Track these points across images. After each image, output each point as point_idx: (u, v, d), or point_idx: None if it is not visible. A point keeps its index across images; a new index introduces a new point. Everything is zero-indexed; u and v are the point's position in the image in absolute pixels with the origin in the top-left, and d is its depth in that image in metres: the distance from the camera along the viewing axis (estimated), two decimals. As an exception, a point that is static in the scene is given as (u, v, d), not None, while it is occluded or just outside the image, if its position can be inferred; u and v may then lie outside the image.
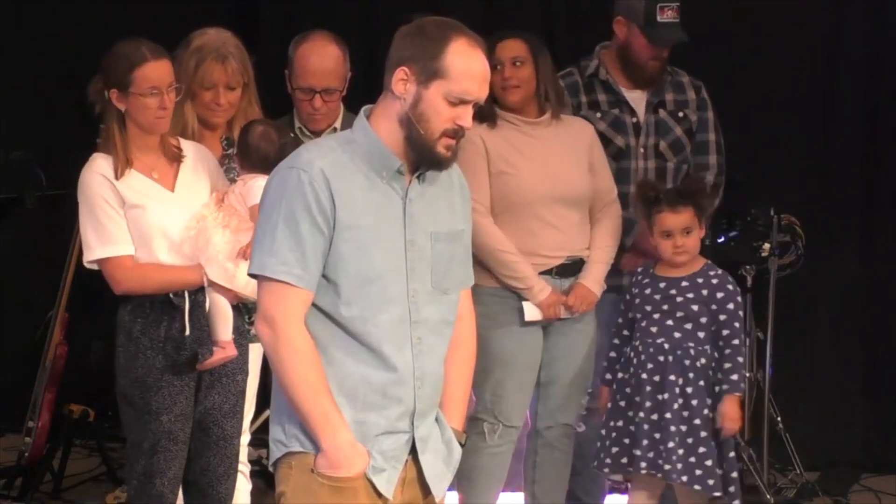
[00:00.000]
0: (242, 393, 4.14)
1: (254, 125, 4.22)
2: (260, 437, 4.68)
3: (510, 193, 4.67)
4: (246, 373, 4.15)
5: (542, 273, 4.68)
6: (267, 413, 4.32)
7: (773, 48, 6.17)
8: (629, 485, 4.83)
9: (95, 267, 4.00)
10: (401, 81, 3.11)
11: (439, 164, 3.17)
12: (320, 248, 3.09)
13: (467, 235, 3.31)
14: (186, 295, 3.98)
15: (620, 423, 4.64)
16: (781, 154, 6.20)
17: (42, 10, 6.56)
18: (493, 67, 4.56)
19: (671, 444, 4.52)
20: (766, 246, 5.61)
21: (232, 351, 4.04)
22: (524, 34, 4.75)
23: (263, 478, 5.05)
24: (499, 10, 6.24)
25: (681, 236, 4.60)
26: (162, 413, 3.97)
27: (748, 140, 5.35)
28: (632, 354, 4.66)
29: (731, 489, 4.54)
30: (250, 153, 4.17)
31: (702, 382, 4.55)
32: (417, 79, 3.10)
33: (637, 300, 4.67)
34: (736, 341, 4.54)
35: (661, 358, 4.58)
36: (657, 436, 4.54)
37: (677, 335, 4.58)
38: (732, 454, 4.54)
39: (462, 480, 4.71)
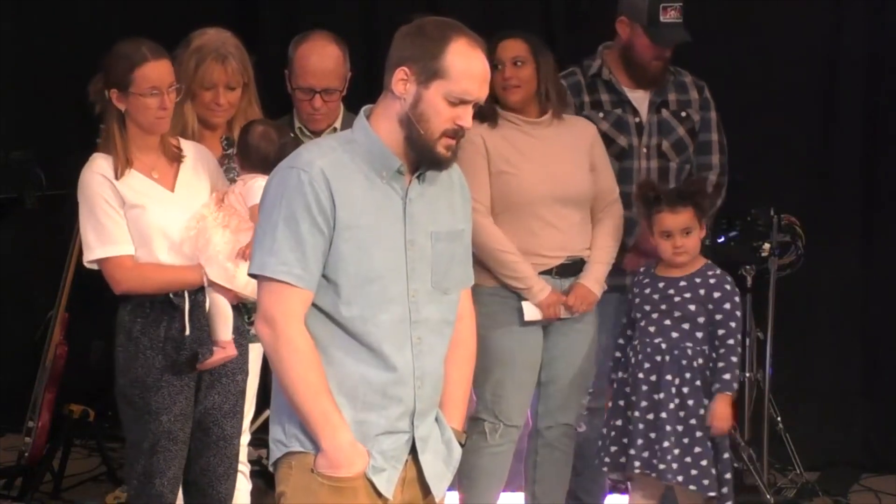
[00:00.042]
0: (242, 393, 4.14)
1: (254, 125, 4.22)
2: (260, 437, 4.68)
3: (510, 193, 4.67)
4: (246, 373, 4.15)
5: (541, 273, 4.68)
6: (267, 413, 4.32)
7: (773, 48, 6.17)
8: (629, 485, 4.84)
9: (95, 267, 4.00)
10: (401, 81, 3.11)
11: (439, 164, 3.17)
12: (320, 247, 3.09)
13: (467, 235, 3.31)
14: (186, 295, 3.98)
15: (619, 423, 4.66)
16: (781, 154, 6.20)
17: (42, 10, 6.56)
18: (494, 67, 4.57)
19: (666, 444, 4.53)
20: (766, 246, 5.61)
21: (232, 351, 4.04)
22: (525, 34, 4.75)
23: (263, 478, 5.05)
24: (499, 10, 6.24)
25: (680, 237, 4.60)
26: (161, 413, 3.97)
27: (748, 140, 5.35)
28: (630, 354, 4.67)
29: (725, 490, 4.54)
30: (250, 153, 4.17)
31: (698, 382, 4.55)
32: (417, 79, 3.10)
33: (637, 300, 4.69)
34: (731, 341, 4.54)
35: (658, 358, 4.58)
36: (652, 435, 4.55)
37: (675, 335, 4.58)
38: (727, 455, 4.54)
39: (463, 480, 4.71)
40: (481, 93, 3.13)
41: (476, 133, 4.61)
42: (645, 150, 5.03)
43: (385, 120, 3.15)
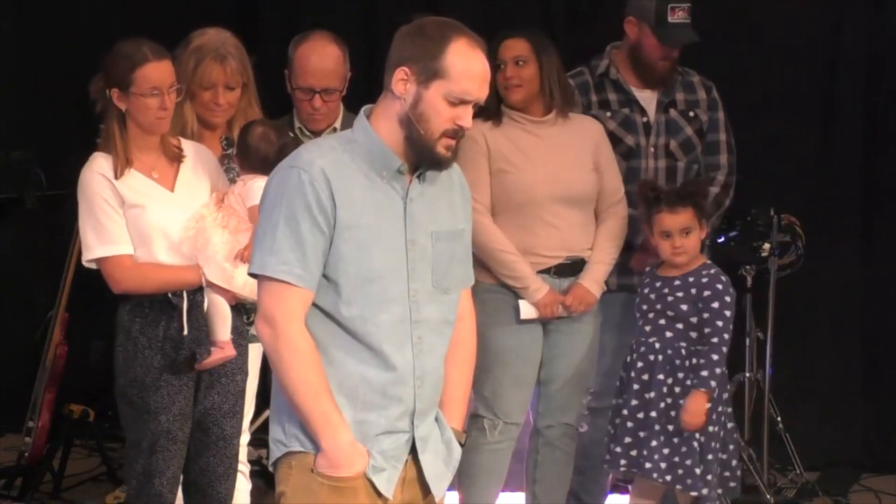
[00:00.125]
0: (242, 393, 4.14)
1: (253, 126, 4.22)
2: (260, 437, 4.68)
3: (510, 192, 4.67)
4: (245, 373, 4.15)
5: (540, 272, 4.68)
6: (267, 413, 4.32)
7: (773, 48, 6.17)
8: (630, 486, 4.84)
9: (94, 266, 4.00)
10: (401, 81, 3.11)
11: (439, 164, 3.17)
12: (321, 247, 3.09)
13: (468, 235, 3.31)
14: (185, 295, 3.98)
15: (618, 422, 4.67)
16: (781, 154, 6.20)
17: (42, 10, 6.56)
18: (497, 67, 4.58)
19: (654, 443, 4.54)
20: (766, 246, 5.61)
21: (230, 351, 4.04)
22: (529, 33, 4.75)
23: (263, 478, 5.05)
24: (499, 10, 6.24)
25: (679, 237, 4.60)
26: (160, 412, 3.97)
27: (748, 140, 5.34)
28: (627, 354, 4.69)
29: (705, 491, 4.53)
30: (250, 154, 4.17)
31: (689, 382, 4.55)
32: (417, 79, 3.10)
33: (637, 299, 4.70)
34: (715, 339, 4.53)
35: (652, 357, 4.59)
36: (641, 434, 4.55)
37: (669, 335, 4.59)
38: (711, 457, 4.53)
39: (462, 478, 4.71)
40: (481, 93, 3.13)
41: (478, 131, 4.61)
42: (652, 149, 5.03)
43: (385, 120, 3.15)
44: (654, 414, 4.55)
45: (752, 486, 5.58)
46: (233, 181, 4.21)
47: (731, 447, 4.63)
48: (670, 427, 4.54)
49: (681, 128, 5.07)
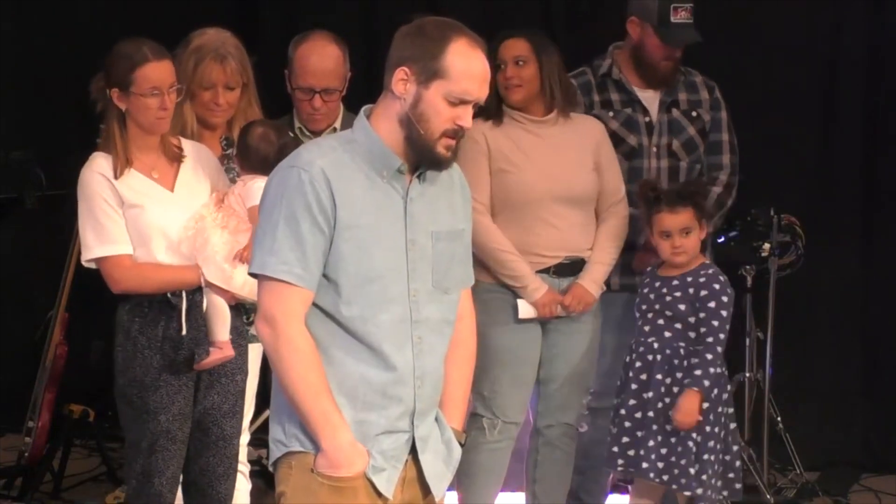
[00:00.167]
0: (242, 393, 4.14)
1: (253, 126, 4.22)
2: (260, 437, 4.68)
3: (510, 191, 4.67)
4: (245, 373, 4.15)
5: (539, 272, 4.68)
6: (267, 413, 4.32)
7: (773, 48, 6.17)
8: (630, 486, 4.84)
9: (94, 266, 4.00)
10: (401, 81, 3.11)
11: (439, 164, 3.17)
12: (321, 247, 3.09)
13: (468, 235, 3.31)
14: (184, 295, 3.98)
15: (616, 421, 4.67)
16: (781, 154, 6.20)
17: (42, 10, 6.56)
18: (497, 67, 4.58)
19: (651, 443, 4.54)
20: (766, 246, 5.61)
21: (229, 351, 4.04)
22: (529, 33, 4.75)
23: (263, 478, 5.05)
24: (499, 10, 6.24)
25: (679, 237, 4.60)
26: (160, 412, 3.97)
27: (748, 140, 5.34)
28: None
29: (700, 491, 4.53)
30: (250, 154, 4.16)
31: (687, 382, 4.55)
32: (417, 79, 3.10)
33: (638, 299, 4.70)
34: (710, 339, 4.53)
35: (650, 357, 4.59)
36: (639, 434, 4.55)
37: (667, 335, 4.59)
38: (707, 457, 4.53)
39: (461, 477, 4.71)
40: (481, 93, 3.13)
41: (479, 131, 4.61)
42: (655, 149, 5.03)
43: (385, 120, 3.15)
44: (651, 414, 4.55)
45: (752, 486, 5.57)
46: (233, 181, 4.21)
47: (735, 448, 4.63)
48: (668, 427, 4.54)
49: (683, 128, 5.07)
